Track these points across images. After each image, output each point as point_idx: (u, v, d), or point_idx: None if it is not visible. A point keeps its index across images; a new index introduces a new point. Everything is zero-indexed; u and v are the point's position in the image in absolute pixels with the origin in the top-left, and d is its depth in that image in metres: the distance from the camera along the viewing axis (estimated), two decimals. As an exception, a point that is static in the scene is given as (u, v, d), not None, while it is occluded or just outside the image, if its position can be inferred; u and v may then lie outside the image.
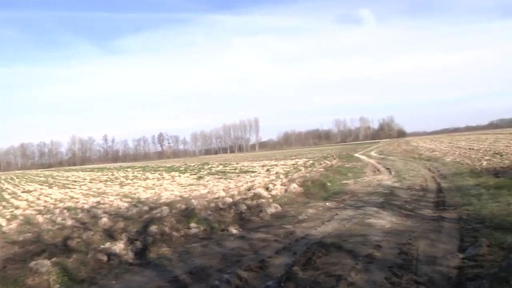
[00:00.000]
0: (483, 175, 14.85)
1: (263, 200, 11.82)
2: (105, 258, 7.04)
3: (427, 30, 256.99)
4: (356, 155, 43.46)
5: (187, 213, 10.32)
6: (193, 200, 12.06)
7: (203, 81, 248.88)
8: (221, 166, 35.12)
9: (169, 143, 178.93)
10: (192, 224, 9.29)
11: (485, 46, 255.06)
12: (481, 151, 28.25)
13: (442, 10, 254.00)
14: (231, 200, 12.10)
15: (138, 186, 21.13)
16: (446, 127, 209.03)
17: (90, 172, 44.86)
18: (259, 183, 16.34)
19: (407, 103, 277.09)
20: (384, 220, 8.62)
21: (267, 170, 25.55)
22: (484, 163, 19.41)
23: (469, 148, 33.40)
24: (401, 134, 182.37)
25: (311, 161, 31.72)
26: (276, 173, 22.12)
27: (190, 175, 27.29)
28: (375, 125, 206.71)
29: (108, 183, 25.63)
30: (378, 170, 22.45)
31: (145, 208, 11.84)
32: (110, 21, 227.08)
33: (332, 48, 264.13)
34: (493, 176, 14.20)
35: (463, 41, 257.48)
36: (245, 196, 12.50)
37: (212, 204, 11.41)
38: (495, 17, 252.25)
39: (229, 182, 18.65)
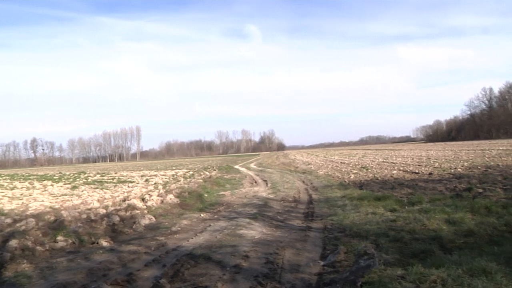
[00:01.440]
0: (349, 187, 16.01)
1: (137, 211, 11.54)
2: None
3: (308, 50, 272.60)
4: (236, 166, 44.29)
5: (55, 226, 9.71)
6: (63, 212, 11.36)
7: (84, 85, 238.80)
8: (98, 176, 33.76)
9: (43, 149, 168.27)
10: (60, 237, 8.76)
11: (357, 69, 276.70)
12: (350, 165, 30.43)
13: (322, 33, 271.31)
14: (104, 211, 11.65)
15: (3, 196, 19.41)
16: (323, 141, 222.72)
17: None
18: (136, 193, 15.96)
19: (288, 118, 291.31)
20: (255, 231, 8.88)
21: (146, 180, 25.11)
22: (352, 176, 20.93)
23: (341, 162, 35.79)
24: (281, 147, 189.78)
25: (191, 172, 31.77)
26: (155, 183, 21.80)
27: (64, 184, 25.76)
28: (256, 138, 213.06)
29: (-33, 192, 23.25)
30: (255, 182, 23.08)
31: (8, 220, 10.89)
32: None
33: (218, 61, 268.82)
34: (358, 188, 15.38)
35: (338, 64, 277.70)
36: (119, 207, 12.10)
37: (84, 216, 10.87)
38: (366, 45, 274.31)
39: (105, 193, 17.96)
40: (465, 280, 4.60)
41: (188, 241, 8.22)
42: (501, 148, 40.99)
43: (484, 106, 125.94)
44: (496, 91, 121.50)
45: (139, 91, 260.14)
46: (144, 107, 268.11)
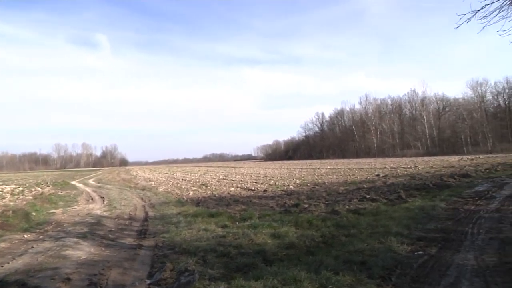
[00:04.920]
0: (187, 204, 16.15)
1: None
2: None
3: (158, 66, 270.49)
4: (73, 182, 41.90)
5: None
6: None
7: None
8: None
9: None
10: None
11: (206, 88, 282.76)
12: (191, 182, 30.76)
13: (173, 50, 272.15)
14: None
15: None
16: (167, 158, 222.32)
17: None
18: None
19: (132, 133, 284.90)
20: (82, 251, 8.45)
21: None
22: (191, 193, 21.15)
23: (182, 179, 35.94)
24: (124, 163, 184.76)
25: (21, 188, 29.10)
26: (-27, 202, 19.52)
27: None
28: (98, 152, 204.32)
29: None
30: (92, 199, 22.03)
31: None
32: None
33: (61, 68, 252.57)
34: (195, 205, 15.58)
35: (187, 81, 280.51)
36: None
37: None
38: (216, 65, 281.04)
39: None
40: (277, 289, 4.98)
41: (2, 266, 7.46)
42: (329, 167, 45.02)
43: (317, 129, 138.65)
44: (327, 116, 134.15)
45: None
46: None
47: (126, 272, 6.87)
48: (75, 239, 9.68)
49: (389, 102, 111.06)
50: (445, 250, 7.03)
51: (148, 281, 6.22)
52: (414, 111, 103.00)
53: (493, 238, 7.70)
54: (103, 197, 22.12)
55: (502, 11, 9.72)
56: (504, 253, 6.62)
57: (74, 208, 17.36)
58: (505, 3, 9.65)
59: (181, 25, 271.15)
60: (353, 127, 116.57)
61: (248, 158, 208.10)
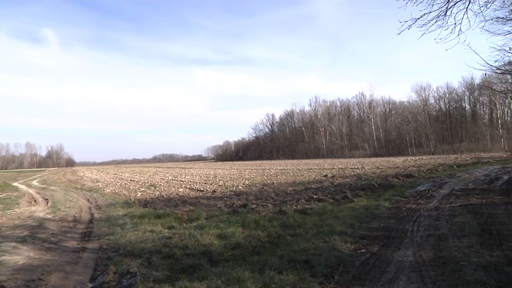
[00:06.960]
0: (134, 205, 15.87)
1: None
2: None
3: (107, 64, 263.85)
4: (16, 184, 40.28)
5: None
6: None
7: None
8: None
9: None
10: None
11: (156, 87, 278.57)
12: (139, 183, 30.27)
13: (123, 48, 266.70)
14: None
15: None
16: (116, 158, 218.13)
17: None
18: None
19: (79, 132, 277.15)
20: (20, 256, 8.10)
21: None
22: (139, 194, 20.82)
23: (131, 180, 35.31)
24: (70, 163, 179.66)
25: (-45, 191, 27.75)
26: None
27: None
28: (43, 153, 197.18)
29: None
30: (35, 201, 21.23)
31: None
32: None
33: (2, 63, 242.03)
34: (142, 206, 15.34)
35: (138, 80, 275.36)
36: None
37: None
38: (166, 64, 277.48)
39: None
40: (221, 290, 4.99)
41: None
42: (278, 168, 45.47)
43: (267, 130, 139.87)
44: (277, 117, 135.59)
45: None
46: None
47: (68, 276, 6.68)
48: (13, 244, 9.27)
49: (338, 104, 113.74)
50: (387, 248, 7.28)
51: (91, 285, 6.07)
52: (362, 113, 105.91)
53: (430, 235, 8.06)
54: (47, 199, 21.38)
55: (439, 20, 10.34)
56: (439, 248, 6.94)
57: (14, 211, 16.65)
58: (441, 13, 10.20)
59: (131, 23, 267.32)
60: (303, 128, 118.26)
61: (198, 158, 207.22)
